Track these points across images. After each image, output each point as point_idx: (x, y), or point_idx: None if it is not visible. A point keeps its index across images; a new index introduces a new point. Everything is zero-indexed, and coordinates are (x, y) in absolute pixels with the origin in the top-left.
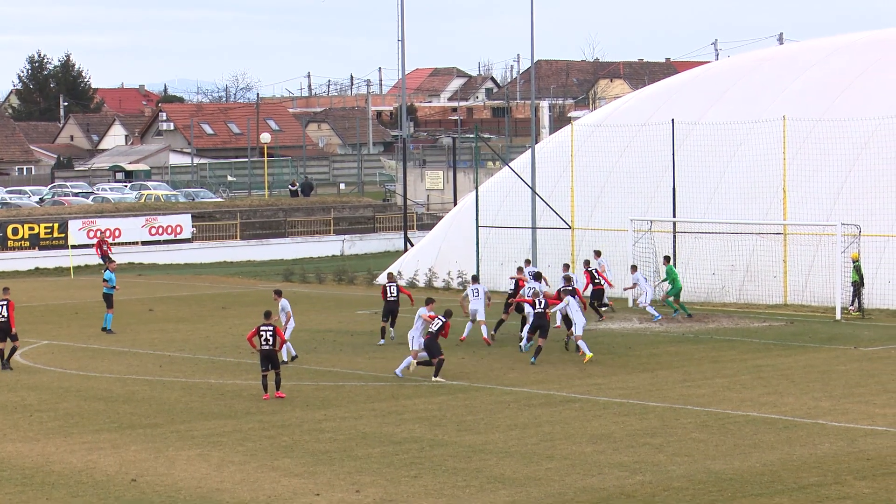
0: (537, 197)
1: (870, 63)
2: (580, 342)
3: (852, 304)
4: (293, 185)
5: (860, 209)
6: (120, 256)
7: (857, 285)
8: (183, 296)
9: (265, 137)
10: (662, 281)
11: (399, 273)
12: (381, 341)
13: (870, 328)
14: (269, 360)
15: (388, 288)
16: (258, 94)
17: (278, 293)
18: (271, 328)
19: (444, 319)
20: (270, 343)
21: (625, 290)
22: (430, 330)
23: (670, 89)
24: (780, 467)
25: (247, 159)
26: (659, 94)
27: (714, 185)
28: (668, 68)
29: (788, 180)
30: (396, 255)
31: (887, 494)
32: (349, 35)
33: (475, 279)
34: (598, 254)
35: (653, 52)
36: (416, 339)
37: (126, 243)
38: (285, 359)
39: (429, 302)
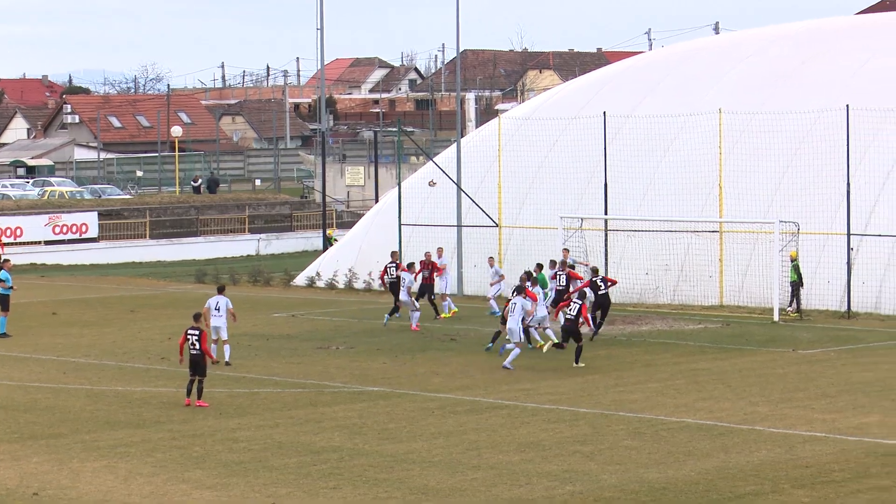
0: (463, 193)
1: (809, 54)
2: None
3: (791, 305)
4: (195, 180)
5: (799, 206)
6: (21, 257)
7: (796, 285)
8: (88, 298)
9: (176, 131)
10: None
11: (318, 274)
12: (385, 319)
13: (809, 330)
14: (195, 365)
15: (388, 269)
16: (169, 85)
17: (221, 289)
18: (197, 332)
19: (579, 302)
20: (197, 348)
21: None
22: (568, 316)
23: (602, 81)
24: (715, 476)
25: (157, 154)
26: (590, 86)
27: (647, 181)
28: (600, 59)
29: (725, 176)
30: (315, 254)
31: (826, 503)
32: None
33: (528, 276)
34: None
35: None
36: (516, 332)
37: (28, 243)
38: (227, 359)
39: (520, 290)
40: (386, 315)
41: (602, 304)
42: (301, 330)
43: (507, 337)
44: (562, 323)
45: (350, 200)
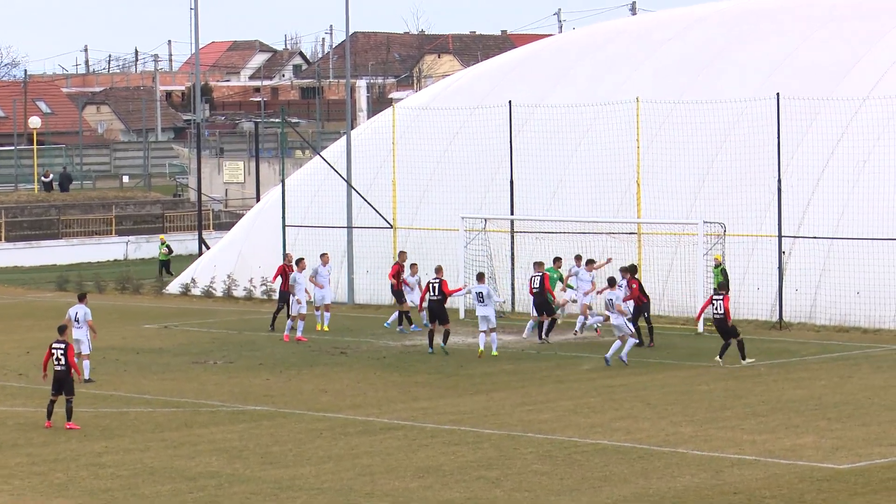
0: (354, 191)
1: (734, 37)
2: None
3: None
4: (46, 176)
5: (725, 205)
6: None
7: None
8: None
9: (34, 122)
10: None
11: (193, 281)
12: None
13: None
14: (61, 383)
15: (431, 285)
16: (26, 70)
17: (82, 297)
18: (63, 346)
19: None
20: (63, 363)
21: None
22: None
23: (507, 67)
24: (634, 503)
25: (12, 147)
26: (494, 73)
27: (558, 178)
28: (505, 42)
29: (643, 172)
30: (190, 259)
31: None
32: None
33: (481, 278)
34: (578, 259)
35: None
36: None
37: None
38: (87, 376)
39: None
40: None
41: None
42: (174, 343)
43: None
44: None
45: (229, 199)
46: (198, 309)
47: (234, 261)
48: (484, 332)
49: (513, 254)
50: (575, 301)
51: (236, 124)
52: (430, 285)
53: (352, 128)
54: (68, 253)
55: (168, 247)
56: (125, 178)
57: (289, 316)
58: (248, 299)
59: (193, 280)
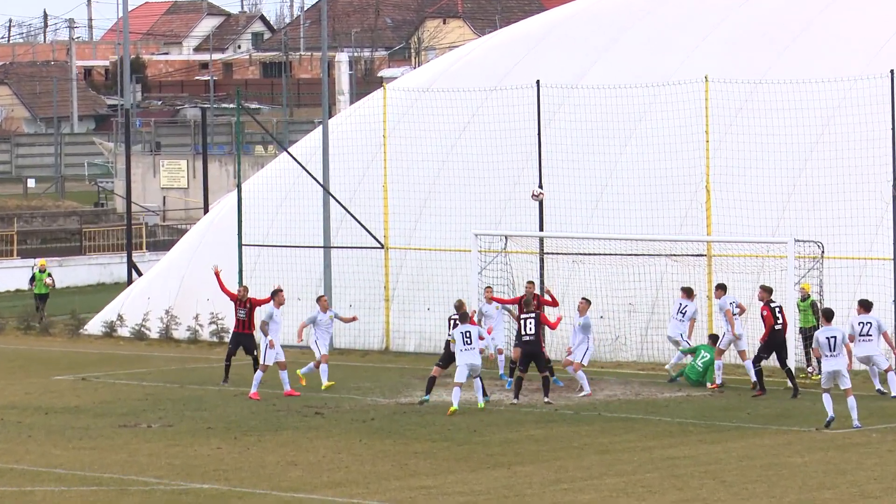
0: (332, 200)
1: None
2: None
3: (811, 364)
4: None
5: (822, 218)
6: None
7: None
8: None
9: None
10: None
11: (120, 318)
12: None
13: (837, 399)
14: None
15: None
16: None
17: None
18: None
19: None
20: None
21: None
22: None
23: (534, 35)
24: None
25: None
26: (517, 43)
27: (602, 182)
28: (531, 3)
29: (714, 174)
30: (117, 288)
31: None
32: None
33: (460, 311)
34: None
35: None
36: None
37: None
38: None
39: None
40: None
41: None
42: (95, 400)
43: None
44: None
45: (168, 210)
46: (126, 355)
47: (174, 291)
48: (460, 384)
49: (542, 282)
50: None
51: (177, 111)
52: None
53: (330, 116)
54: None
55: (51, 276)
56: (31, 183)
57: (256, 366)
58: (193, 342)
59: (120, 317)
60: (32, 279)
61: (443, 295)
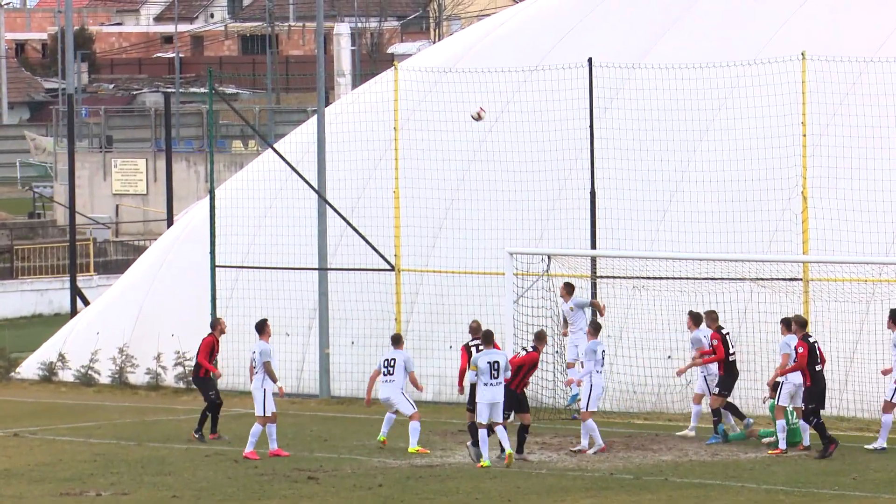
0: (330, 210)
1: None
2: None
3: None
4: None
5: None
6: None
7: None
8: None
9: None
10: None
11: (62, 357)
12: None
13: None
14: None
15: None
16: None
17: None
18: None
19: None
20: None
21: None
22: None
23: (585, 2)
24: None
25: None
26: (563, 11)
27: (671, 187)
28: None
29: (812, 176)
30: (58, 321)
31: None
32: None
33: (395, 341)
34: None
35: None
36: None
37: None
38: None
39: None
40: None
41: None
42: (31, 461)
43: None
44: None
45: (122, 221)
46: (69, 405)
47: (130, 324)
48: (490, 426)
49: (595, 313)
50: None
51: (134, 97)
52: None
53: (327, 104)
54: None
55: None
56: None
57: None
58: (154, 388)
59: (62, 357)
60: None
61: (468, 329)
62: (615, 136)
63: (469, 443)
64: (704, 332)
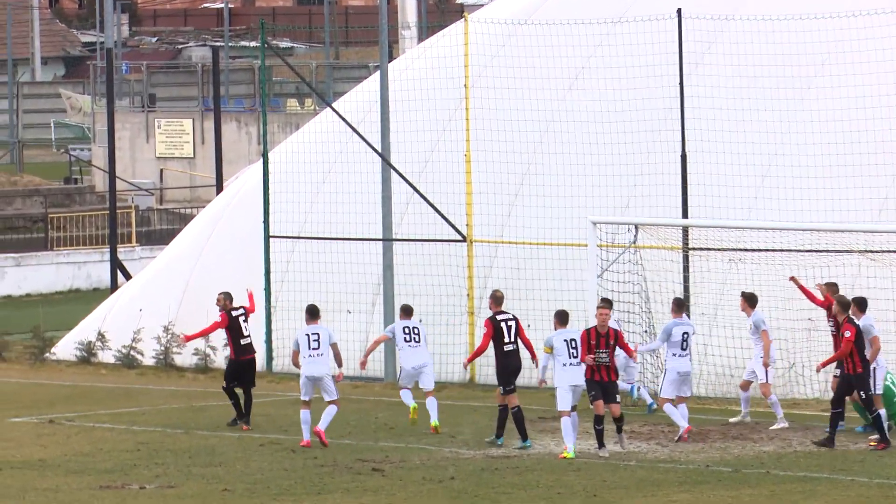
0: (394, 174)
1: None
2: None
3: None
4: None
5: None
6: None
7: None
8: None
9: None
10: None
11: (102, 336)
12: (499, 439)
13: None
14: None
15: (503, 326)
16: None
17: None
18: None
19: None
20: None
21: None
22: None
23: None
24: None
25: None
26: None
27: (772, 150)
28: None
29: None
30: (97, 296)
31: None
32: None
33: (406, 311)
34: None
35: None
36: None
37: None
38: None
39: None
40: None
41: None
42: (68, 451)
43: None
44: None
45: (167, 188)
46: (110, 389)
47: (175, 300)
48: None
49: (687, 288)
50: None
51: (179, 51)
52: (504, 325)
53: (390, 59)
54: None
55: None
56: None
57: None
58: (203, 370)
59: (102, 336)
60: None
61: (548, 306)
62: (708, 94)
63: (490, 438)
64: (762, 315)
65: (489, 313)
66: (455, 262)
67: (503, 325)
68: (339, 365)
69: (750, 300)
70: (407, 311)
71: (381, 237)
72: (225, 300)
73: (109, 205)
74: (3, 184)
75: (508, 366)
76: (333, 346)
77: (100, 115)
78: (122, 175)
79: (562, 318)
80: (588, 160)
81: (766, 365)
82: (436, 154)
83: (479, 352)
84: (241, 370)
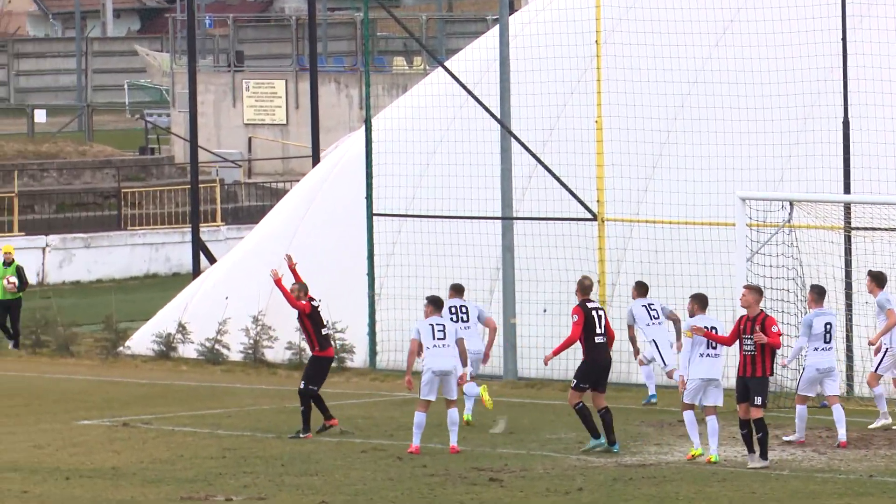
0: (516, 143)
1: None
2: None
3: None
4: None
5: None
6: None
7: None
8: None
9: None
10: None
11: (183, 328)
12: (600, 440)
13: None
14: None
15: (594, 315)
16: None
17: None
18: None
19: None
20: None
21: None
22: None
23: None
24: None
25: None
26: None
27: None
28: None
29: None
30: (177, 282)
31: None
32: None
33: (457, 290)
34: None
35: None
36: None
37: None
38: None
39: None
40: None
41: None
42: (144, 458)
43: None
44: None
45: (256, 158)
46: (192, 387)
47: (267, 286)
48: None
49: (849, 273)
50: None
51: (270, 2)
52: (595, 314)
53: (511, 11)
54: None
55: (19, 272)
56: (39, 116)
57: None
58: (297, 367)
59: (182, 327)
60: None
61: (689, 293)
62: (873, 51)
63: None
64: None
65: (623, 302)
66: (584, 243)
67: (594, 313)
68: (465, 364)
69: (878, 279)
70: (458, 290)
71: (499, 215)
72: (299, 292)
73: (191, 178)
74: (71, 154)
75: (598, 361)
76: (460, 341)
77: (180, 75)
78: (205, 144)
79: (701, 302)
80: (736, 127)
81: (873, 346)
82: (562, 121)
83: (569, 343)
84: (327, 367)
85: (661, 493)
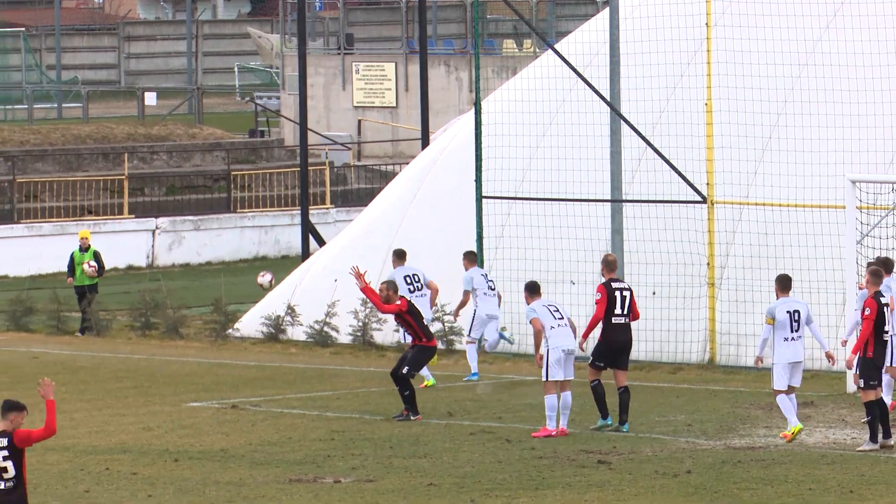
0: (624, 125)
1: None
2: None
3: None
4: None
5: None
6: None
7: None
8: None
9: None
10: None
11: (292, 310)
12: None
13: None
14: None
15: (617, 295)
16: None
17: None
18: (6, 442)
19: None
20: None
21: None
22: None
23: None
24: None
25: None
26: None
27: None
28: None
29: None
30: (286, 264)
31: None
32: None
33: (399, 256)
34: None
35: None
36: None
37: None
38: None
39: None
40: None
41: None
42: (253, 440)
43: None
44: None
45: (365, 141)
46: (301, 369)
47: (375, 270)
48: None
49: None
50: None
51: None
52: (619, 294)
53: None
54: (34, 249)
55: (96, 258)
56: (149, 99)
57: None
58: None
59: (292, 310)
60: (71, 263)
61: (798, 276)
62: None
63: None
64: None
65: (733, 284)
66: (693, 226)
67: (617, 293)
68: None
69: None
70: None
71: (609, 198)
72: (388, 290)
73: (300, 161)
74: (181, 137)
75: (613, 340)
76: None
77: (290, 58)
78: (315, 127)
79: (783, 283)
80: (847, 109)
81: None
82: (672, 103)
83: (594, 322)
84: (431, 357)
85: (770, 476)
